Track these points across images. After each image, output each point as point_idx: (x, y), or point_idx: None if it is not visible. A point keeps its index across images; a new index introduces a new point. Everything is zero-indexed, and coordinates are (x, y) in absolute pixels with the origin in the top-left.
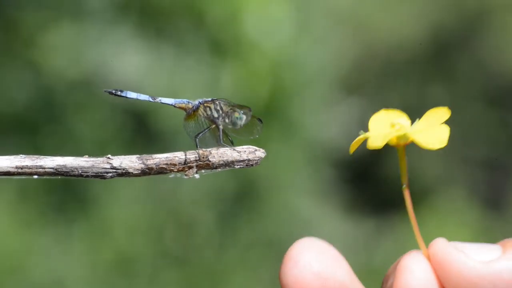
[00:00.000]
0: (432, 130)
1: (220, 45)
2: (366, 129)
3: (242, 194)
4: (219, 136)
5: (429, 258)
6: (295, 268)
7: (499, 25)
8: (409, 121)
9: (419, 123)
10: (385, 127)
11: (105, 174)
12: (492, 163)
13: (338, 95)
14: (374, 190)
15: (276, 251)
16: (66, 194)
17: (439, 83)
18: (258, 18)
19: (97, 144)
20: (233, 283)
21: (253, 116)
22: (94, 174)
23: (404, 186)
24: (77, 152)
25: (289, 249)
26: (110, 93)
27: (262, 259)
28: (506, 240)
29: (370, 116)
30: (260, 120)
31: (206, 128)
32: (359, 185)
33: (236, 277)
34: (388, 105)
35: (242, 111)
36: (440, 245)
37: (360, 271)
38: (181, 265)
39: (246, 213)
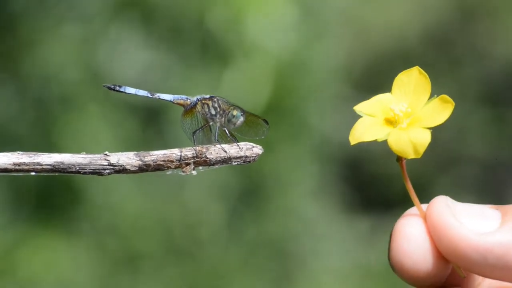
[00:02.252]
0: (413, 136)
1: (222, 46)
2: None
3: (248, 193)
4: (216, 133)
5: (425, 219)
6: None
7: (497, 21)
8: (419, 101)
9: (422, 108)
10: (384, 108)
11: (103, 171)
12: (492, 161)
13: (342, 94)
14: (370, 190)
15: (279, 250)
16: (71, 191)
17: (439, 81)
18: (260, 18)
19: (100, 141)
20: (238, 281)
21: (259, 117)
22: (91, 170)
23: (398, 160)
24: (81, 150)
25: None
26: (109, 88)
27: (267, 258)
28: (507, 206)
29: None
30: (266, 121)
31: (204, 125)
32: (356, 184)
33: (241, 276)
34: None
35: (240, 111)
36: (437, 207)
37: (356, 269)
38: (186, 262)
39: (251, 212)
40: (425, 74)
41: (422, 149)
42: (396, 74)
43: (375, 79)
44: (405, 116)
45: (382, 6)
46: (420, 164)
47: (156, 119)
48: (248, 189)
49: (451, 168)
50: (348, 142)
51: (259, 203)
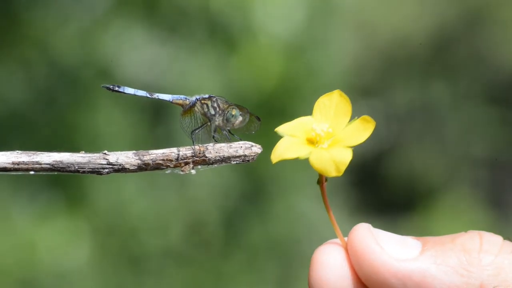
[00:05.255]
0: (334, 154)
1: (229, 32)
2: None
3: (249, 194)
4: (215, 132)
5: (346, 247)
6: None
7: (501, 22)
8: (340, 122)
9: (344, 129)
10: (306, 129)
11: (102, 170)
12: (495, 161)
13: (346, 93)
14: (378, 192)
15: (282, 252)
16: (72, 190)
17: (441, 80)
18: (267, 2)
19: (106, 140)
20: (239, 283)
21: (251, 114)
22: (90, 169)
23: (319, 182)
24: (86, 149)
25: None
26: (108, 88)
27: (268, 260)
28: (428, 237)
29: (374, 116)
30: (258, 118)
31: (203, 125)
32: (364, 187)
33: (242, 278)
34: (391, 103)
35: (239, 110)
36: (359, 233)
37: None
38: (188, 264)
39: (253, 214)
40: (346, 96)
41: (343, 167)
42: (396, 71)
43: (374, 79)
44: (326, 137)
45: (383, 5)
46: (427, 167)
47: (163, 116)
48: (252, 190)
49: (455, 168)
50: (353, 144)
51: (263, 205)
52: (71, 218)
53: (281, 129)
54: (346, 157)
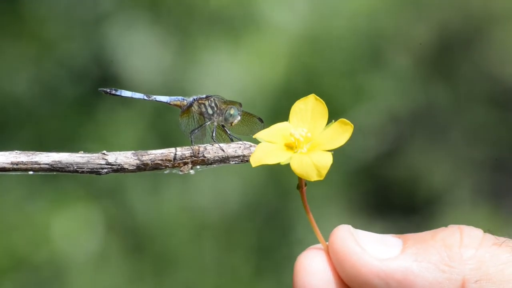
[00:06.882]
0: (315, 159)
1: (232, 23)
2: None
3: (258, 197)
4: (214, 132)
5: (327, 251)
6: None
7: (504, 28)
8: (317, 126)
9: (322, 133)
10: (284, 134)
11: (100, 170)
12: (498, 164)
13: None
14: (379, 194)
15: (289, 256)
16: (88, 179)
17: (443, 84)
18: None
19: (106, 140)
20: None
21: (253, 116)
22: (89, 170)
23: (299, 187)
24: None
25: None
26: (105, 92)
27: (274, 264)
28: (408, 235)
29: (376, 119)
30: (261, 120)
31: (201, 125)
32: (365, 189)
33: (252, 281)
34: (392, 107)
35: (237, 109)
36: (340, 234)
37: None
38: (216, 277)
39: (262, 217)
40: (321, 100)
41: (324, 171)
42: (398, 75)
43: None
44: (305, 141)
45: (385, 9)
46: (428, 170)
47: (162, 116)
48: (257, 194)
49: (458, 170)
50: (354, 146)
51: (269, 207)
52: (86, 206)
53: (259, 135)
54: (327, 161)
